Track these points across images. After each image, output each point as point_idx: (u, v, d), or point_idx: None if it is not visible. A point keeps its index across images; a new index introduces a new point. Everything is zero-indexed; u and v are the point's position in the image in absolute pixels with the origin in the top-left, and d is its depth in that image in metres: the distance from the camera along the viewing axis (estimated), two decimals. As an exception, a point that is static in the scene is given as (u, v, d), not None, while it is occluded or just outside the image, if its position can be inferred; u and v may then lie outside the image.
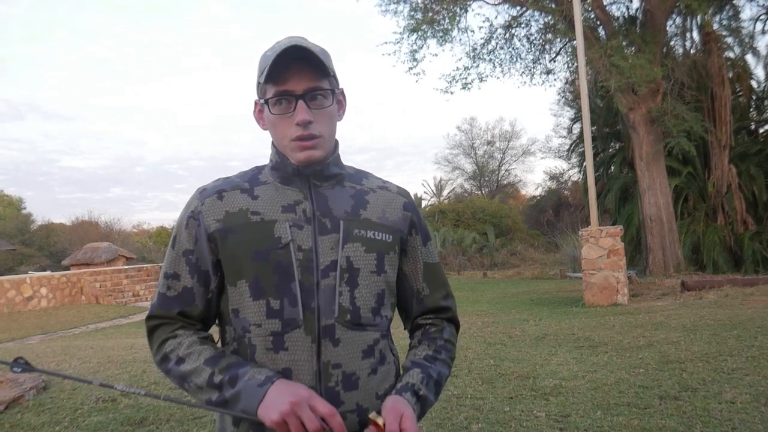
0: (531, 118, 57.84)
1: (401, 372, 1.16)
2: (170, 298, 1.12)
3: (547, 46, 15.18)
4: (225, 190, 1.14)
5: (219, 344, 1.14)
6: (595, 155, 15.62)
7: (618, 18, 14.28)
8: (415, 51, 13.90)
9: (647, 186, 13.16)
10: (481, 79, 14.87)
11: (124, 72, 63.93)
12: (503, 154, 34.63)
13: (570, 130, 22.41)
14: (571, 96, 20.43)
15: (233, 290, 1.09)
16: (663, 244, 13.05)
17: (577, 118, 18.43)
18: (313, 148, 1.09)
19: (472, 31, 17.45)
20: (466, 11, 13.86)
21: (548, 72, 15.66)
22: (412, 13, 13.54)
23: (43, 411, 3.91)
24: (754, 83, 15.49)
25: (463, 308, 9.56)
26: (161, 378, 4.67)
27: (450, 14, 13.28)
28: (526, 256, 21.86)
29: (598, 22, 13.50)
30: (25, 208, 36.21)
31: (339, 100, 1.17)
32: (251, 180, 1.16)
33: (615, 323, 6.77)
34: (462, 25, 14.11)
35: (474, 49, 14.67)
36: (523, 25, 14.72)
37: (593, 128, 14.67)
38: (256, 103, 1.17)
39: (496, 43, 14.83)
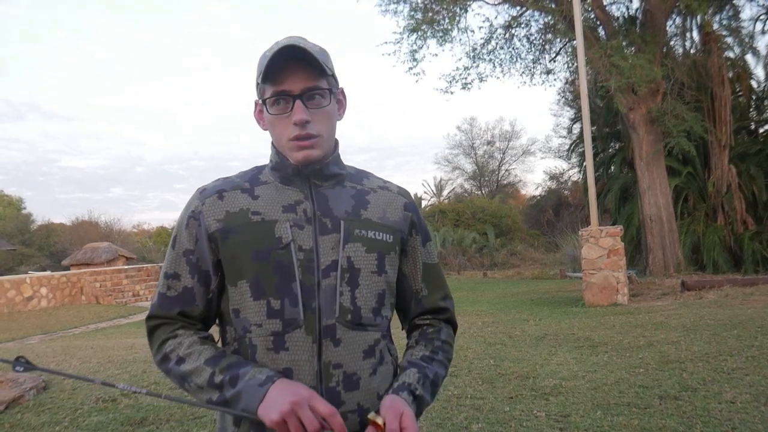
0: (531, 118, 57.88)
1: (398, 372, 1.16)
2: (170, 298, 1.12)
3: (547, 46, 15.19)
4: (225, 190, 1.14)
5: (219, 344, 1.14)
6: (595, 155, 15.62)
7: (618, 18, 14.28)
8: (415, 51, 13.91)
9: (647, 186, 13.16)
10: (481, 79, 14.88)
11: (124, 72, 64.06)
12: (503, 154, 34.69)
13: (570, 130, 22.44)
14: (571, 96, 20.44)
15: (234, 290, 1.09)
16: (663, 244, 13.05)
17: (577, 118, 18.43)
18: (311, 148, 1.09)
19: (472, 31, 17.49)
20: (466, 11, 13.88)
21: (548, 72, 15.67)
22: (412, 13, 13.55)
23: (43, 411, 3.91)
24: (754, 83, 15.50)
25: (463, 308, 9.56)
26: (161, 378, 4.67)
27: (450, 14, 13.28)
28: (526, 256, 21.86)
29: (598, 22, 13.50)
30: (25, 208, 36.26)
31: (338, 99, 1.17)
32: (252, 180, 1.16)
33: (615, 323, 6.77)
34: (462, 25, 14.13)
35: (474, 49, 14.67)
36: (523, 25, 14.73)
37: (593, 128, 14.66)
38: (256, 104, 1.17)
39: (496, 43, 14.84)
